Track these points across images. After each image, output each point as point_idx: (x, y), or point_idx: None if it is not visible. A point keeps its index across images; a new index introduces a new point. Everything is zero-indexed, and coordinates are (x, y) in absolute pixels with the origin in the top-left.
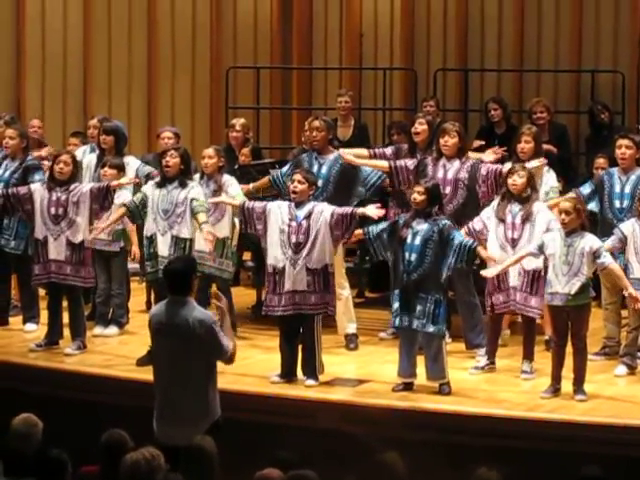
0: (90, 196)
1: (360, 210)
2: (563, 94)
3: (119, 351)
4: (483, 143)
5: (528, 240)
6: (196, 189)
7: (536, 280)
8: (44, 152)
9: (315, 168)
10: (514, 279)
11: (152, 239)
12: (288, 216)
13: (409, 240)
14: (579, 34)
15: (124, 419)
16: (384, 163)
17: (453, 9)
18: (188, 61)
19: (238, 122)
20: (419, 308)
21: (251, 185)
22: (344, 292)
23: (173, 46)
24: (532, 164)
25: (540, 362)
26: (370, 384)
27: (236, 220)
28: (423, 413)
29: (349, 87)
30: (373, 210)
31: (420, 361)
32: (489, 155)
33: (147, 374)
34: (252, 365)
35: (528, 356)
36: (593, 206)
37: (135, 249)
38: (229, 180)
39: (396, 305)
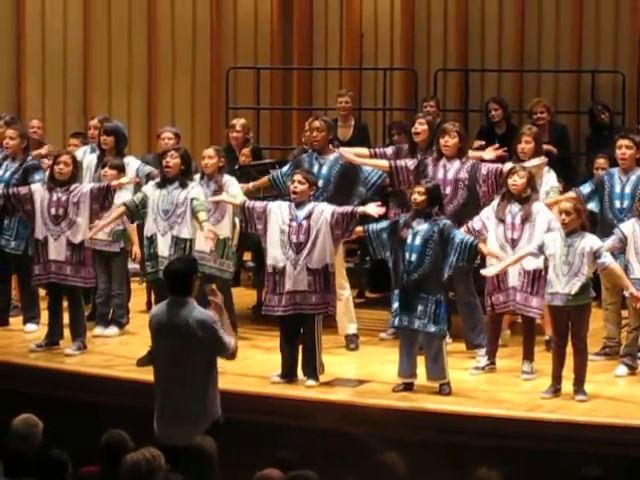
0: (90, 196)
1: (360, 209)
2: (563, 94)
3: (119, 351)
4: (483, 143)
5: (528, 240)
6: (196, 189)
7: (536, 280)
8: (44, 150)
9: (315, 168)
10: (514, 279)
11: (152, 239)
12: (288, 216)
13: (409, 240)
14: (579, 34)
15: (124, 419)
16: (384, 163)
17: (453, 9)
18: (188, 61)
19: (238, 122)
20: (420, 308)
21: (251, 184)
22: (344, 292)
23: (173, 46)
24: (533, 162)
25: (540, 362)
26: (370, 384)
27: (236, 220)
28: (423, 413)
29: (349, 87)
30: (373, 208)
31: (420, 361)
32: (489, 153)
33: (147, 374)
34: (252, 365)
35: (528, 356)
36: (593, 206)
37: (136, 249)
38: (229, 180)
39: (396, 305)
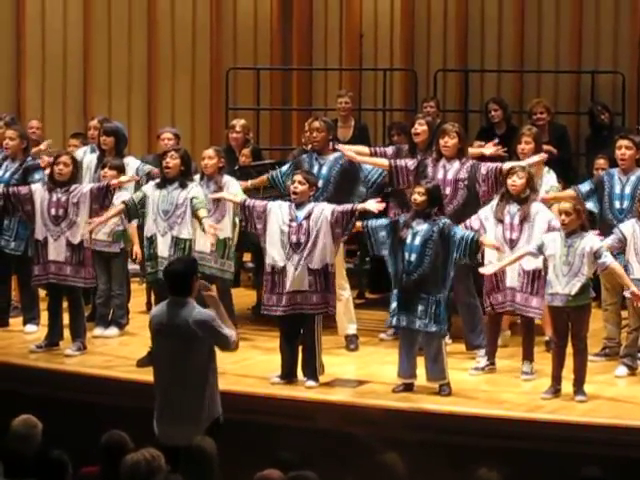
0: (90, 196)
1: (360, 206)
2: (563, 95)
3: (119, 352)
4: (483, 144)
5: (527, 241)
6: (196, 189)
7: (536, 280)
8: (43, 146)
9: (315, 169)
10: (513, 280)
11: (152, 240)
12: (288, 217)
13: (409, 240)
14: (579, 35)
15: (124, 420)
16: (384, 161)
17: (453, 10)
18: (188, 62)
19: (238, 123)
20: (420, 308)
21: (249, 182)
22: (344, 293)
23: (173, 47)
24: (532, 159)
25: (540, 363)
26: (370, 385)
27: (236, 220)
28: (423, 414)
29: (349, 88)
30: (373, 204)
31: (420, 362)
32: (489, 148)
33: (147, 375)
34: (252, 366)
35: (528, 357)
36: (591, 205)
37: (137, 249)
38: (229, 181)
39: (394, 305)
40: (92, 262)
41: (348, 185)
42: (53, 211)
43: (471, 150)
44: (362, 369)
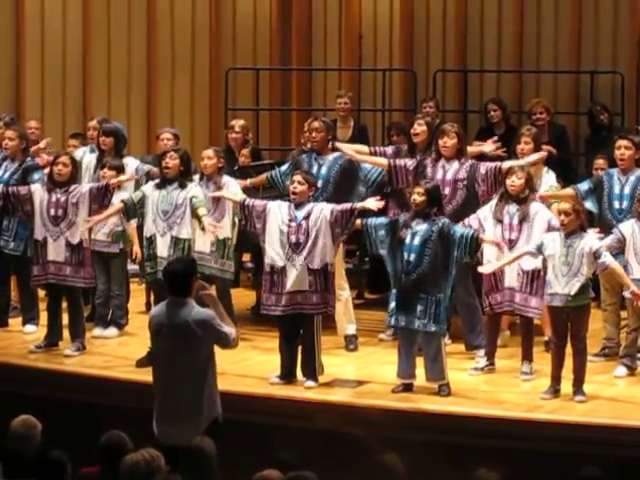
0: (90, 196)
1: (359, 204)
2: (562, 95)
3: (118, 352)
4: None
5: (526, 241)
6: (195, 189)
7: (535, 280)
8: (42, 143)
9: (315, 169)
10: (512, 280)
11: (151, 240)
12: (287, 217)
13: (408, 240)
14: (578, 35)
15: (123, 420)
16: (384, 161)
17: (452, 10)
18: (187, 62)
19: (237, 123)
20: (420, 308)
21: (248, 181)
22: (344, 293)
23: (172, 47)
24: (532, 157)
25: (540, 363)
26: (369, 385)
27: (236, 220)
28: (423, 414)
29: (348, 88)
30: (373, 203)
31: (420, 362)
32: (489, 145)
33: (147, 375)
34: (252, 366)
35: (527, 357)
36: (590, 205)
37: (136, 249)
38: (229, 181)
39: (392, 304)
40: (91, 262)
41: (347, 185)
42: (52, 211)
43: (471, 149)
44: (361, 369)
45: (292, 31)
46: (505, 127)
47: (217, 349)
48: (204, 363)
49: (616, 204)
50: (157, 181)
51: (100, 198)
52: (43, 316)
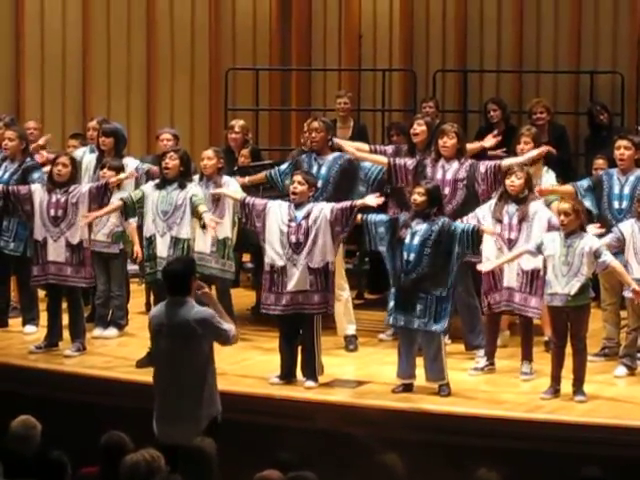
0: (89, 196)
1: (359, 202)
2: (562, 95)
3: (118, 353)
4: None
5: (526, 241)
6: (195, 188)
7: (535, 280)
8: (42, 140)
9: (314, 169)
10: (511, 279)
11: (151, 240)
12: (287, 217)
13: (407, 240)
14: (578, 35)
15: (124, 421)
16: (383, 159)
17: (452, 10)
18: (187, 62)
19: (237, 123)
20: (420, 307)
21: (247, 179)
22: (344, 293)
23: (172, 47)
24: (531, 154)
25: (540, 363)
26: (369, 385)
27: (235, 219)
28: (423, 414)
29: (348, 88)
30: (372, 199)
31: (419, 362)
32: (489, 140)
33: (147, 376)
34: (252, 366)
35: (527, 357)
36: (588, 204)
37: (137, 249)
38: (229, 181)
39: (391, 304)
40: (91, 262)
41: (347, 185)
42: (52, 212)
43: (471, 146)
44: (361, 369)
45: (292, 31)
46: (505, 127)
47: (217, 348)
48: (204, 363)
49: (616, 204)
50: (157, 181)
51: (100, 197)
52: (43, 316)
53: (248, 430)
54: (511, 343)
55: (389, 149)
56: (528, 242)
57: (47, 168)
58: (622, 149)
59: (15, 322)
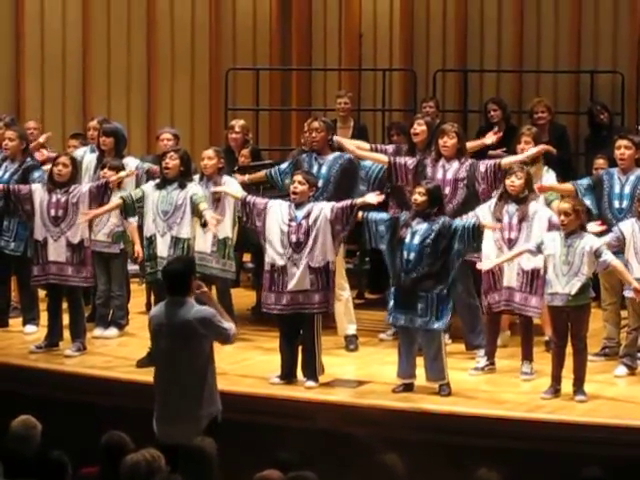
0: (90, 196)
1: (359, 200)
2: (562, 95)
3: (119, 352)
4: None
5: (526, 240)
6: (195, 187)
7: (535, 280)
8: (42, 138)
9: (315, 169)
10: (511, 279)
11: (151, 240)
12: (288, 216)
13: (408, 239)
14: (578, 35)
15: (124, 420)
16: (384, 157)
17: (452, 10)
18: (187, 62)
19: (237, 123)
20: (421, 306)
21: (246, 177)
22: (344, 293)
23: (172, 47)
24: (531, 152)
25: (540, 363)
26: (370, 385)
27: (236, 219)
28: (423, 414)
29: (348, 88)
30: (373, 197)
31: (420, 362)
32: (490, 137)
33: (147, 376)
34: (252, 366)
35: (527, 357)
36: (588, 203)
37: (138, 248)
38: (229, 181)
39: (391, 303)
40: (92, 261)
41: (348, 184)
42: (53, 212)
43: (472, 143)
44: (362, 369)
45: (292, 31)
46: (505, 127)
47: (217, 348)
48: (204, 362)
49: (616, 203)
50: (157, 181)
51: (100, 196)
52: (43, 316)
53: (248, 430)
54: (511, 343)
55: (390, 148)
56: (528, 242)
57: (47, 167)
58: (622, 149)
59: (15, 322)
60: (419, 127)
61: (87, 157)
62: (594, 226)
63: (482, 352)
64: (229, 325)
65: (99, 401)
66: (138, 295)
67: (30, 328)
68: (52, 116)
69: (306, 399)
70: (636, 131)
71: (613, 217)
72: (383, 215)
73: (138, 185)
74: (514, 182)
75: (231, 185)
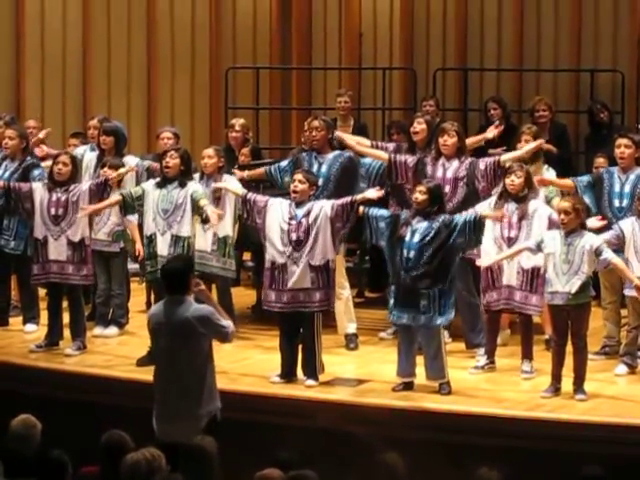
0: (89, 193)
1: (359, 196)
2: (562, 93)
3: (119, 351)
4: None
5: (526, 239)
6: (195, 185)
7: (535, 278)
8: (42, 134)
9: (315, 167)
10: (510, 278)
11: (152, 239)
12: (288, 215)
13: (408, 238)
14: (578, 34)
15: (124, 420)
16: (384, 154)
17: (453, 9)
18: (187, 61)
19: (237, 122)
20: (423, 303)
21: (245, 173)
22: (344, 292)
23: (172, 46)
24: (529, 146)
25: (540, 361)
26: (370, 384)
27: (237, 217)
28: (423, 413)
29: (348, 87)
30: (373, 192)
31: (420, 361)
32: (491, 131)
33: (147, 374)
34: (252, 365)
35: (527, 355)
36: (587, 200)
37: (139, 247)
38: (229, 179)
39: (392, 301)
40: (92, 259)
41: (348, 182)
42: (53, 210)
43: (473, 138)
44: (362, 368)
45: (292, 30)
46: (505, 126)
47: (217, 347)
48: (203, 361)
49: (616, 202)
50: (157, 180)
51: (99, 193)
52: (43, 315)
53: (249, 429)
54: (511, 342)
55: (390, 146)
56: (528, 240)
57: (47, 163)
58: (622, 147)
59: (15, 321)
60: (419, 126)
61: (87, 156)
62: (594, 221)
63: (482, 351)
64: (228, 323)
65: (99, 400)
66: (138, 294)
67: (30, 327)
68: (52, 116)
69: (306, 398)
70: (636, 130)
71: (613, 216)
72: (384, 212)
73: (138, 183)
74: (514, 181)
75: (231, 183)
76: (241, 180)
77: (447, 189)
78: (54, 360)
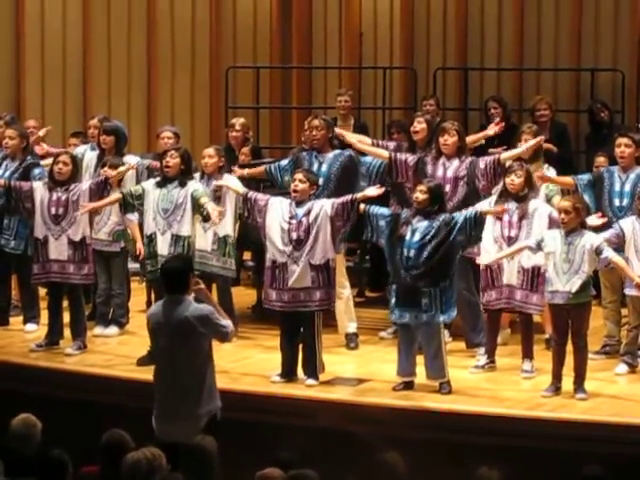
0: (89, 192)
1: (360, 194)
2: (563, 93)
3: (119, 351)
4: (482, 142)
5: (526, 238)
6: (195, 185)
7: (535, 277)
8: (42, 132)
9: (315, 167)
10: (510, 277)
11: (152, 238)
12: (288, 214)
13: (408, 237)
14: (579, 33)
15: (125, 419)
16: (385, 153)
17: (453, 8)
18: (188, 61)
19: (238, 122)
20: (425, 301)
21: (246, 171)
22: (345, 291)
23: (173, 46)
24: (529, 144)
25: (540, 361)
26: (370, 383)
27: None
28: (424, 412)
29: (349, 86)
30: (373, 190)
31: (420, 360)
32: (492, 128)
33: (147, 374)
34: (252, 365)
35: (527, 355)
36: (587, 199)
37: (140, 246)
38: (229, 179)
39: (393, 300)
40: (93, 258)
41: (349, 181)
42: (53, 210)
43: (474, 136)
44: (362, 367)
45: (292, 29)
46: (506, 125)
47: (217, 346)
48: (203, 360)
49: (616, 201)
50: (158, 179)
51: (99, 192)
52: (44, 315)
53: (249, 428)
54: (512, 341)
55: (391, 145)
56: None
57: (47, 161)
58: (623, 147)
59: (16, 320)
60: (419, 125)
61: (87, 155)
62: (594, 219)
63: (482, 350)
64: (227, 323)
65: (99, 399)
66: (138, 293)
67: (30, 326)
68: (52, 115)
69: (306, 397)
70: (636, 129)
71: (613, 215)
72: (384, 210)
73: (139, 182)
74: (514, 180)
75: (232, 182)
76: (241, 178)
77: (447, 188)
78: (54, 359)
